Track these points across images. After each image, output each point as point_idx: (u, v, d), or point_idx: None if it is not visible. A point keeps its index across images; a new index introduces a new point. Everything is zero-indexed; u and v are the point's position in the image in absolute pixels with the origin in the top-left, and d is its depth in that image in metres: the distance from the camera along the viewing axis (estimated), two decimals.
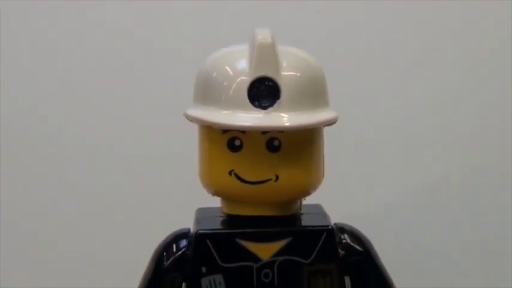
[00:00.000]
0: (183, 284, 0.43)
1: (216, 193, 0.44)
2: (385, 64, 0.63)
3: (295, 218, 0.44)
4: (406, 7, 0.64)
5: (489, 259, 0.65)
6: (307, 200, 0.45)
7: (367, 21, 0.64)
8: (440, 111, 0.64)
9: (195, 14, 0.63)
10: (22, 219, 0.67)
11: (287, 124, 0.41)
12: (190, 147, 0.46)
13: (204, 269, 0.42)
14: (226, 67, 0.42)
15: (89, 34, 0.65)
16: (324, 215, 0.45)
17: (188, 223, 0.44)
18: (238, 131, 0.41)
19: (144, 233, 0.51)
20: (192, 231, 0.43)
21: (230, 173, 0.42)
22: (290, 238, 0.42)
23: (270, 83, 0.41)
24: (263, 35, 0.41)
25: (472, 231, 0.66)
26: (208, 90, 0.42)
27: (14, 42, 0.66)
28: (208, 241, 0.42)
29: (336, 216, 0.45)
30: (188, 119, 0.43)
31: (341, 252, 0.43)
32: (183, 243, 0.43)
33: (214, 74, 0.42)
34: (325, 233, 0.42)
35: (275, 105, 0.41)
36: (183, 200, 0.50)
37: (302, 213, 0.45)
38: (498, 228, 0.66)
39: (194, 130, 0.44)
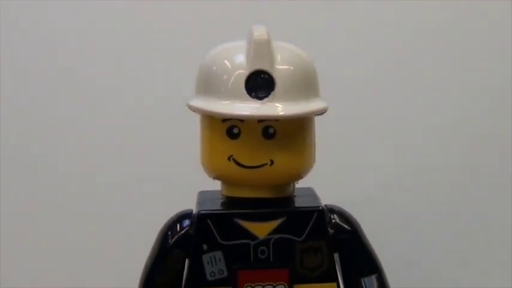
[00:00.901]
0: (186, 260, 0.44)
1: (216, 177, 0.45)
2: (372, 56, 0.64)
3: (288, 199, 0.46)
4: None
5: (489, 259, 0.65)
6: (300, 183, 0.47)
7: (359, 19, 0.64)
8: (424, 100, 0.64)
9: (197, 12, 0.63)
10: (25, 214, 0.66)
11: (281, 113, 0.42)
12: (192, 135, 0.48)
13: (205, 246, 0.43)
14: (226, 61, 0.43)
15: (94, 32, 0.65)
16: (315, 197, 0.47)
17: (191, 205, 0.46)
18: (237, 119, 0.43)
19: (151, 214, 0.51)
20: (194, 212, 0.45)
21: (229, 158, 0.44)
22: (284, 218, 0.44)
23: (266, 76, 0.42)
24: (259, 31, 0.42)
25: (471, 229, 0.66)
26: (209, 83, 0.44)
27: (18, 38, 0.65)
28: (209, 221, 0.44)
29: (326, 198, 0.46)
30: (191, 109, 0.44)
31: (330, 231, 0.44)
32: (186, 222, 0.45)
33: (215, 68, 0.44)
34: (316, 213, 0.44)
35: (270, 96, 0.42)
36: (186, 183, 0.50)
37: (295, 196, 0.46)
38: (496, 223, 0.65)
39: (196, 120, 0.46)
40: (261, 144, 0.43)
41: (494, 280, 0.65)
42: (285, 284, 0.43)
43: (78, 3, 0.65)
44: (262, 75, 0.42)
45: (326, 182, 0.48)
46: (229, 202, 0.45)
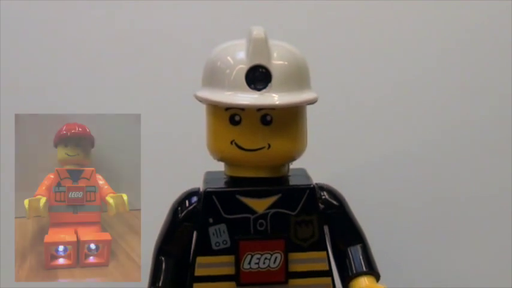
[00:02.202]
0: (194, 232, 0.47)
1: (220, 159, 0.48)
2: (363, 48, 0.65)
3: (284, 179, 0.48)
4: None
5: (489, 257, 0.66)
6: (294, 165, 0.49)
7: (352, 19, 0.65)
8: (412, 85, 0.65)
9: (205, 15, 0.65)
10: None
11: (277, 102, 0.45)
12: (199, 122, 0.50)
13: (211, 220, 0.46)
14: (228, 57, 0.46)
15: (102, 33, 0.65)
16: (307, 177, 0.49)
17: (198, 183, 0.49)
18: (238, 108, 0.45)
19: (163, 191, 0.51)
20: (201, 189, 0.47)
21: (231, 142, 0.46)
22: (280, 195, 0.46)
23: (263, 70, 0.45)
24: (257, 31, 0.45)
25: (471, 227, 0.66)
26: (213, 76, 0.46)
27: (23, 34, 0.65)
28: (214, 197, 0.46)
29: (316, 177, 0.49)
30: (197, 100, 0.47)
31: (321, 206, 0.47)
32: (194, 199, 0.48)
33: (219, 63, 0.46)
34: (308, 191, 0.47)
35: (267, 88, 0.45)
36: (194, 164, 0.52)
37: (289, 175, 0.49)
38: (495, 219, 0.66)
39: (202, 109, 0.49)
40: (260, 130, 0.46)
41: (494, 280, 0.65)
42: (281, 253, 0.46)
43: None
44: (261, 69, 0.45)
45: (317, 163, 0.51)
46: (232, 181, 0.48)
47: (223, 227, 0.46)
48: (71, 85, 0.65)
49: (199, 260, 0.46)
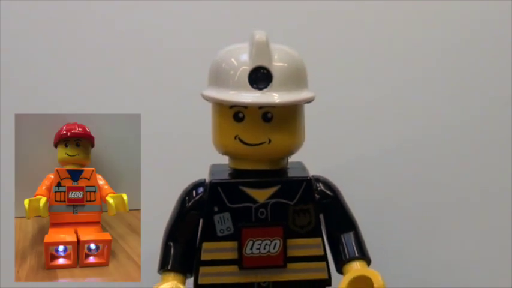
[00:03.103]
0: (200, 219, 0.48)
1: (224, 153, 0.50)
2: (352, 50, 0.65)
3: (283, 171, 0.50)
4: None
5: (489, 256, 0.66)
6: (292, 158, 0.51)
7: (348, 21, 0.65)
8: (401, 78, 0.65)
9: (204, 15, 0.64)
10: None
11: (277, 101, 0.46)
12: (199, 122, 0.52)
13: (216, 208, 0.48)
14: (232, 59, 0.47)
15: (110, 34, 0.64)
16: (304, 169, 0.51)
17: (204, 175, 0.50)
18: (242, 106, 0.47)
19: (163, 191, 0.53)
20: (207, 181, 0.49)
21: (235, 137, 0.48)
22: (279, 186, 0.48)
23: (265, 71, 0.46)
24: (259, 35, 0.47)
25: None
26: (219, 77, 0.48)
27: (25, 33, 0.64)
28: (219, 188, 0.48)
29: (313, 169, 0.51)
30: (204, 98, 0.48)
31: (317, 196, 0.49)
32: (201, 189, 0.49)
33: (223, 65, 0.48)
34: (305, 182, 0.48)
35: (268, 87, 0.47)
36: (194, 164, 0.53)
37: (288, 168, 0.50)
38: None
39: (202, 109, 0.50)
40: (261, 126, 0.47)
41: (494, 280, 0.65)
42: (280, 239, 0.47)
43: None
44: (262, 70, 0.46)
45: (313, 157, 0.52)
46: (235, 173, 0.49)
47: (227, 215, 0.48)
48: (71, 85, 0.64)
49: (205, 245, 0.48)
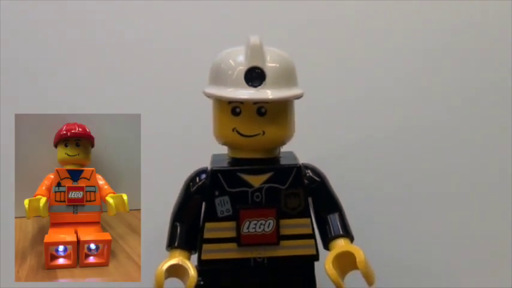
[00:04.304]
0: (203, 203, 0.50)
1: (224, 143, 0.51)
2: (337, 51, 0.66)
3: (275, 159, 0.51)
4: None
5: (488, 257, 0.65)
6: (284, 148, 0.52)
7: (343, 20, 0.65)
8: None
9: (204, 15, 0.65)
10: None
11: (270, 97, 0.48)
12: (199, 122, 0.54)
13: (216, 193, 0.49)
14: (230, 60, 0.49)
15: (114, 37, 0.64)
16: (295, 158, 0.52)
17: (206, 163, 0.52)
18: (239, 102, 0.49)
19: (163, 191, 0.54)
20: (208, 168, 0.50)
21: (233, 130, 0.49)
22: (273, 172, 0.50)
23: (259, 71, 0.48)
24: (254, 39, 0.48)
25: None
26: (218, 76, 0.50)
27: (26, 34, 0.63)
28: (219, 174, 0.50)
29: (302, 158, 0.52)
30: (205, 95, 0.50)
31: (306, 181, 0.50)
32: (203, 176, 0.51)
33: (222, 65, 0.50)
34: (295, 169, 0.50)
35: (262, 85, 0.48)
36: (203, 148, 0.53)
37: (280, 157, 0.52)
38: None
39: (202, 109, 0.52)
40: (256, 120, 0.49)
41: (494, 280, 0.64)
42: (273, 219, 0.49)
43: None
44: (257, 70, 0.48)
45: (302, 147, 0.53)
46: (233, 161, 0.51)
47: (226, 198, 0.49)
48: (71, 85, 0.63)
49: (207, 225, 0.50)
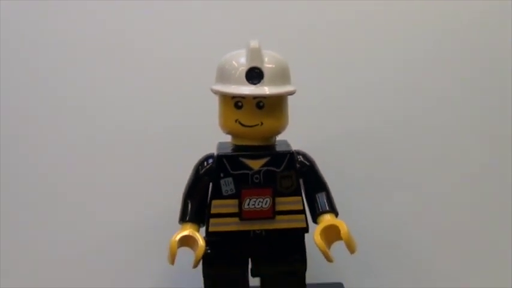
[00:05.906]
0: (210, 183, 0.54)
1: (228, 133, 0.55)
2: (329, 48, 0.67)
3: (272, 146, 0.55)
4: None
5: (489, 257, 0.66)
6: (279, 137, 0.56)
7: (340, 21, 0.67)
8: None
9: (204, 16, 0.66)
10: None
11: (268, 93, 0.52)
12: (199, 122, 0.59)
13: (222, 174, 0.53)
14: (233, 61, 0.53)
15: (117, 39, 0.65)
16: (288, 145, 0.56)
17: (213, 149, 0.55)
18: (241, 97, 0.52)
19: (188, 156, 0.55)
20: (215, 154, 0.54)
21: (235, 121, 0.53)
22: (269, 157, 0.53)
23: (258, 70, 0.52)
24: (254, 43, 0.52)
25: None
26: (223, 75, 0.53)
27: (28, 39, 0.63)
28: (224, 159, 0.53)
29: (295, 145, 0.56)
30: (212, 92, 0.54)
31: (297, 165, 0.54)
32: (210, 160, 0.54)
33: (227, 66, 0.53)
34: (289, 155, 0.54)
35: (261, 83, 0.52)
36: (210, 137, 0.55)
37: (276, 144, 0.55)
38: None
39: (215, 98, 0.55)
40: (255, 112, 0.53)
41: (494, 280, 0.65)
42: (270, 197, 0.53)
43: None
44: (256, 70, 0.52)
45: (295, 136, 0.56)
46: (236, 148, 0.54)
47: (230, 179, 0.53)
48: (71, 85, 0.64)
49: (214, 202, 0.53)
